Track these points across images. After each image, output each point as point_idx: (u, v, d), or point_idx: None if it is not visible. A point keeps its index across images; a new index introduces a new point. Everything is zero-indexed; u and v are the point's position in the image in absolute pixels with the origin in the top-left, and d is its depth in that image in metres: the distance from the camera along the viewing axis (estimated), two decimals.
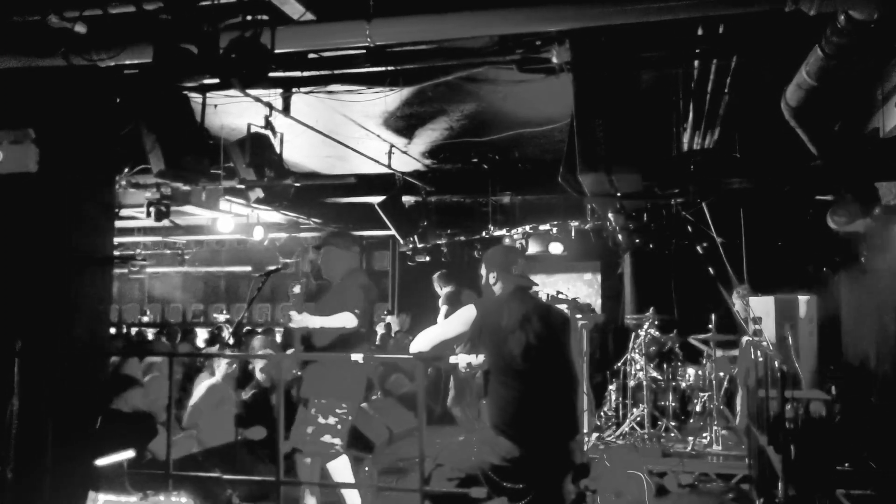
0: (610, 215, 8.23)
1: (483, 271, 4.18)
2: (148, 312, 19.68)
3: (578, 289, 12.97)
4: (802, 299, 8.03)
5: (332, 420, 5.08)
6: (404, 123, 7.68)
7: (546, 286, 11.93)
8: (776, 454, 5.09)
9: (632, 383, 8.04)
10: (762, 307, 6.95)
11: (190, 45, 4.03)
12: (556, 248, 10.91)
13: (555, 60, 5.01)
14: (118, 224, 6.70)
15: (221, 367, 6.91)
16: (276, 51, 4.32)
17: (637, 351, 8.11)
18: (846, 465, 5.65)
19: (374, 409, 8.15)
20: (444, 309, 8.07)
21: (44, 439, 4.58)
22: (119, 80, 5.32)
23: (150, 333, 15.01)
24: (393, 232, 9.54)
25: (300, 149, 8.27)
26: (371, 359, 5.17)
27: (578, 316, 7.57)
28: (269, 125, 5.94)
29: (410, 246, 10.54)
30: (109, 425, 5.30)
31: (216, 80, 4.59)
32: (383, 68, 5.41)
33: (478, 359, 4.00)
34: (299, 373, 5.67)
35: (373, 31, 4.45)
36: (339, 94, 5.99)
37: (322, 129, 7.13)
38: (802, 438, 5.92)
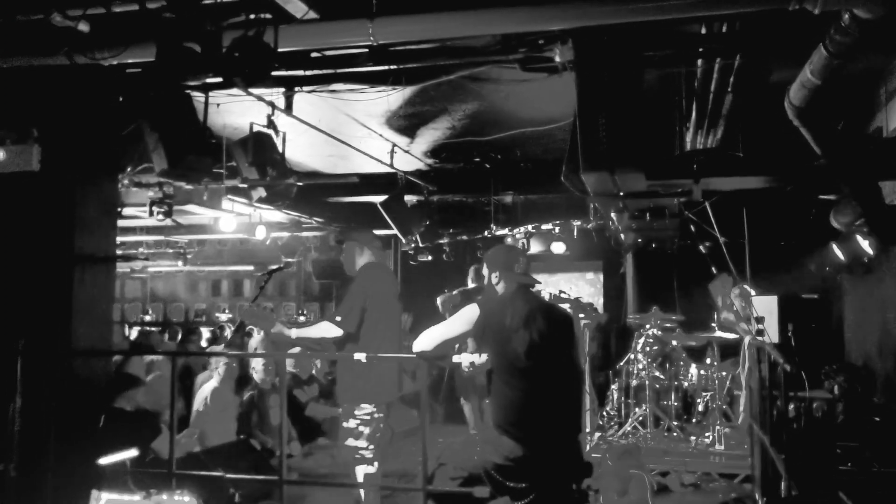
0: (612, 214, 8.22)
1: (485, 271, 4.17)
2: (150, 311, 19.71)
3: (581, 288, 12.96)
4: (805, 299, 8.04)
5: (352, 423, 5.01)
6: (406, 123, 7.67)
7: (548, 286, 11.92)
8: (779, 454, 5.08)
9: (634, 383, 8.04)
10: (765, 307, 6.95)
11: (193, 44, 4.04)
12: (558, 247, 10.91)
13: (557, 59, 5.00)
14: (121, 223, 6.69)
15: (220, 369, 6.92)
16: (279, 50, 4.32)
17: (639, 350, 8.10)
18: (849, 464, 5.65)
19: None
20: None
21: (47, 438, 4.58)
22: (122, 78, 5.31)
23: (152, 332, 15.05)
24: (395, 231, 9.52)
25: (302, 148, 8.26)
26: (373, 358, 5.16)
27: (581, 315, 7.57)
28: (271, 124, 5.93)
29: (412, 245, 10.55)
30: (112, 424, 5.31)
31: (219, 79, 4.58)
32: (386, 67, 5.40)
33: (481, 358, 4.00)
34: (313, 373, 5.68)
35: (376, 30, 4.45)
36: (341, 94, 5.99)
37: (324, 129, 7.12)
38: (805, 438, 5.92)
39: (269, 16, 4.30)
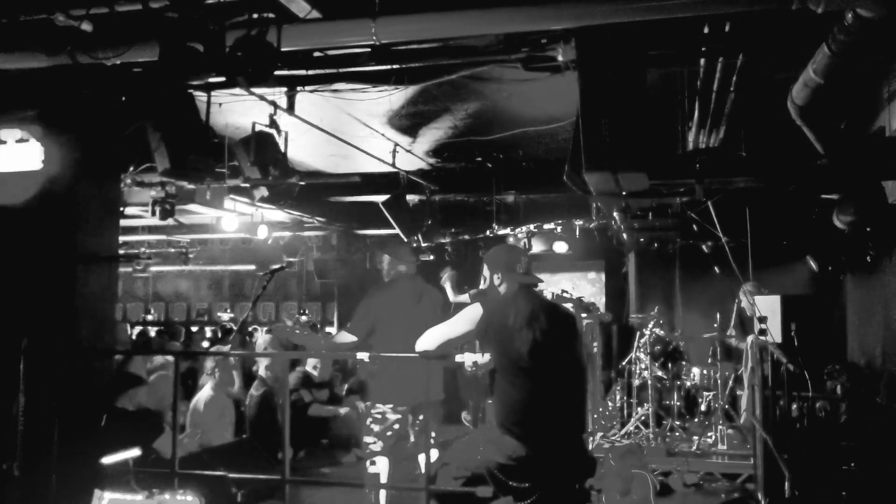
0: (615, 214, 8.22)
1: (486, 272, 4.14)
2: (152, 311, 19.71)
3: (583, 288, 12.95)
4: (808, 298, 8.03)
5: (368, 421, 5.42)
6: (409, 122, 7.67)
7: (550, 285, 11.92)
8: (781, 454, 5.08)
9: (636, 382, 8.04)
10: (768, 306, 6.93)
11: (196, 44, 4.04)
12: (560, 247, 10.91)
13: (560, 59, 5.00)
14: (123, 223, 6.69)
15: (215, 376, 6.92)
16: (282, 49, 4.32)
17: (642, 350, 8.10)
18: (851, 464, 5.64)
19: None
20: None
21: (50, 437, 4.59)
22: (125, 78, 5.32)
23: (153, 332, 15.06)
24: (397, 231, 9.52)
25: (305, 147, 8.26)
26: (376, 357, 5.17)
27: (583, 315, 7.57)
28: (273, 124, 5.92)
29: (414, 245, 10.53)
30: (115, 423, 5.31)
31: (222, 79, 4.59)
32: (388, 67, 5.40)
33: (483, 358, 4.00)
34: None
35: (378, 30, 4.45)
36: (343, 93, 5.99)
37: (327, 128, 7.12)
38: (808, 438, 5.91)
39: (271, 15, 4.30)
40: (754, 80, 5.46)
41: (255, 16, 4.23)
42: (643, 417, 7.69)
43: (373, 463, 5.32)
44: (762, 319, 5.76)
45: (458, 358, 4.14)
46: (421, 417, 5.48)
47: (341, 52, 5.34)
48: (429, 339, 4.03)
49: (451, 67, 5.50)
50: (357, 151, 8.12)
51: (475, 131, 7.94)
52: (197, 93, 5.57)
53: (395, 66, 5.37)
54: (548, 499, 3.72)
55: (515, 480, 3.70)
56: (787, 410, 5.25)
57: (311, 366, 8.18)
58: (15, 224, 5.24)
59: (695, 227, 7.60)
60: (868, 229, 7.11)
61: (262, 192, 6.53)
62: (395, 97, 6.31)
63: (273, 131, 5.93)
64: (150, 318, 19.36)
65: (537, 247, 10.98)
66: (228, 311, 19.24)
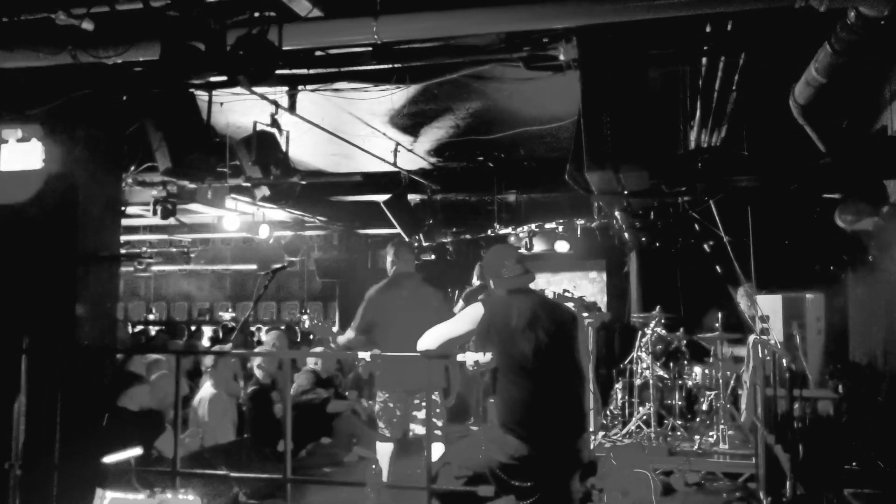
0: (616, 213, 8.21)
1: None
2: (154, 310, 19.72)
3: (584, 287, 12.95)
4: (810, 298, 8.01)
5: (376, 408, 5.96)
6: (410, 121, 7.67)
7: (552, 284, 11.94)
8: (784, 453, 5.07)
9: (638, 382, 8.03)
10: (770, 306, 6.94)
11: (197, 43, 4.03)
12: (561, 246, 10.90)
13: (562, 58, 5.00)
14: (124, 222, 6.69)
15: (214, 375, 6.91)
16: (283, 48, 4.32)
17: (643, 349, 8.09)
18: (854, 464, 5.62)
19: None
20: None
21: (51, 436, 4.58)
22: (126, 77, 5.32)
23: (154, 331, 15.07)
24: (398, 230, 9.52)
25: (306, 147, 8.25)
26: (377, 356, 5.19)
27: (585, 314, 7.56)
28: (275, 123, 5.92)
29: (416, 244, 10.53)
30: (116, 423, 5.31)
31: (223, 78, 4.59)
32: (390, 66, 5.40)
33: (485, 357, 3.99)
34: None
35: (380, 28, 4.44)
36: (345, 92, 5.99)
37: (328, 127, 7.12)
38: (810, 437, 5.90)
39: (273, 14, 4.29)
40: (756, 78, 5.45)
41: (257, 14, 4.23)
42: (645, 417, 7.68)
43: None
44: (764, 319, 5.75)
45: (460, 357, 4.14)
46: (422, 404, 5.80)
47: (343, 50, 5.34)
48: (430, 339, 4.04)
49: (452, 66, 5.50)
50: (358, 151, 8.12)
51: (477, 130, 7.94)
52: (198, 92, 5.58)
53: (396, 66, 5.38)
54: (549, 498, 3.72)
55: (517, 479, 3.70)
56: (789, 410, 5.23)
57: (312, 362, 8.19)
58: (16, 223, 5.24)
59: (696, 226, 7.60)
60: (870, 228, 7.09)
61: (264, 191, 6.53)
62: (396, 96, 6.31)
63: (274, 130, 5.93)
64: (151, 317, 19.37)
65: (539, 246, 10.97)
66: (230, 310, 19.25)
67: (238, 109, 6.36)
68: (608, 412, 8.31)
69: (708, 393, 7.75)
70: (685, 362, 8.05)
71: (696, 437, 7.31)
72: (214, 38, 4.07)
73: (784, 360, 5.17)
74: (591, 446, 6.99)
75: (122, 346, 8.78)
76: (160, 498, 3.48)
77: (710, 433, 7.33)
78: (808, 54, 4.64)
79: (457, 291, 8.19)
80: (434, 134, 8.25)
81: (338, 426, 7.93)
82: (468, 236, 11.34)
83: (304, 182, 6.56)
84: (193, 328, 16.24)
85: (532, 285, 4.18)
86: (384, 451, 5.83)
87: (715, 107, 5.91)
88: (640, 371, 8.05)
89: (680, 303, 9.45)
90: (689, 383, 7.96)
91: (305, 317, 17.57)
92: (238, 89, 5.57)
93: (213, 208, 8.97)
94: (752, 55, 5.10)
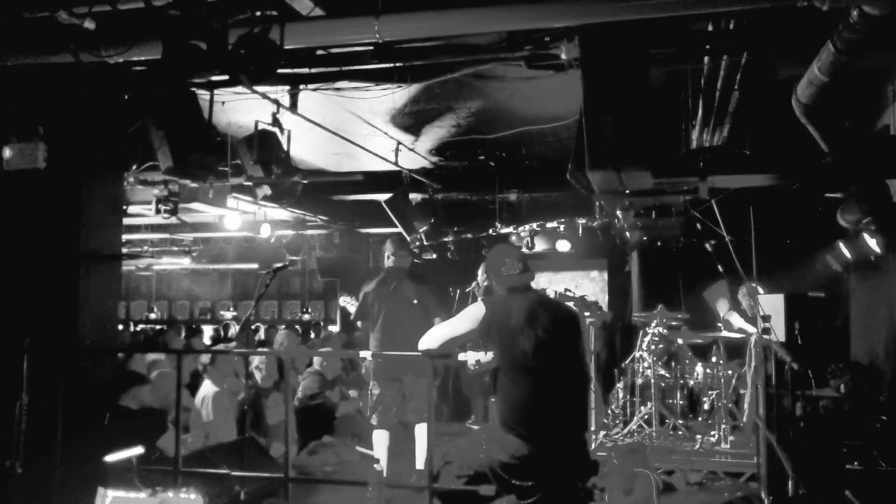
0: (618, 213, 8.20)
1: (480, 273, 4.24)
2: (155, 309, 19.72)
3: (585, 286, 12.94)
4: (812, 297, 8.00)
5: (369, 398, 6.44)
6: (411, 120, 7.66)
7: (553, 284, 11.93)
8: (785, 452, 5.07)
9: (639, 381, 8.01)
10: (772, 305, 6.92)
11: (199, 42, 4.03)
12: (563, 245, 10.89)
13: (563, 57, 4.99)
14: (126, 221, 6.69)
15: (212, 374, 6.90)
16: (285, 47, 4.32)
17: (645, 349, 8.08)
18: (856, 463, 5.62)
19: None
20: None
21: (53, 435, 4.59)
22: (127, 76, 5.32)
23: (158, 330, 15.08)
24: (399, 229, 9.51)
25: (307, 146, 8.25)
26: (379, 355, 5.19)
27: (586, 314, 7.56)
28: (276, 122, 5.92)
29: (417, 243, 10.53)
30: (117, 422, 5.31)
31: (225, 77, 4.57)
32: (391, 65, 5.40)
33: (486, 356, 3.99)
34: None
35: (381, 27, 4.44)
36: (346, 91, 5.98)
37: (329, 127, 7.11)
38: (812, 437, 5.90)
39: (274, 13, 4.29)
40: (759, 78, 5.44)
41: (258, 13, 4.23)
42: (646, 416, 7.67)
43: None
44: (766, 318, 5.74)
45: (461, 356, 4.14)
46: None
47: (344, 50, 5.34)
48: (431, 338, 4.04)
49: (454, 66, 5.49)
50: (360, 150, 8.12)
51: (478, 130, 7.93)
52: (199, 91, 5.56)
53: (398, 65, 5.37)
54: (550, 497, 3.72)
55: (518, 479, 3.70)
56: (791, 409, 5.24)
57: (317, 364, 8.18)
58: (18, 222, 5.24)
59: (698, 225, 7.59)
60: (873, 228, 7.08)
61: (265, 190, 6.52)
62: (397, 95, 6.30)
63: (276, 130, 5.93)
64: (153, 316, 19.37)
65: (540, 245, 10.96)
66: (231, 309, 19.26)
67: (239, 108, 6.35)
68: (609, 411, 8.31)
69: (710, 392, 7.74)
70: (686, 361, 8.04)
71: (698, 436, 7.30)
72: (216, 38, 4.06)
73: (786, 360, 5.16)
74: (593, 445, 6.99)
75: (123, 346, 8.78)
76: (162, 497, 3.48)
77: (712, 432, 7.32)
78: (811, 53, 4.63)
79: (458, 291, 8.20)
80: (435, 133, 8.24)
81: (339, 425, 7.93)
82: (469, 235, 11.33)
83: (305, 181, 6.55)
84: (195, 327, 16.24)
85: (533, 284, 4.18)
86: (379, 439, 6.19)
87: (717, 106, 5.90)
88: (641, 370, 8.04)
89: (681, 302, 9.44)
90: (691, 383, 7.95)
91: (307, 316, 17.63)
92: (240, 88, 5.57)
93: (215, 207, 8.98)
94: (755, 54, 5.09)
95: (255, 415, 7.17)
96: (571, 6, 4.34)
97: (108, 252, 5.60)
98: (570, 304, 7.21)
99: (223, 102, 5.98)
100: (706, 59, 5.42)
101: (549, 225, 10.92)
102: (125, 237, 10.61)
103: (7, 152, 5.17)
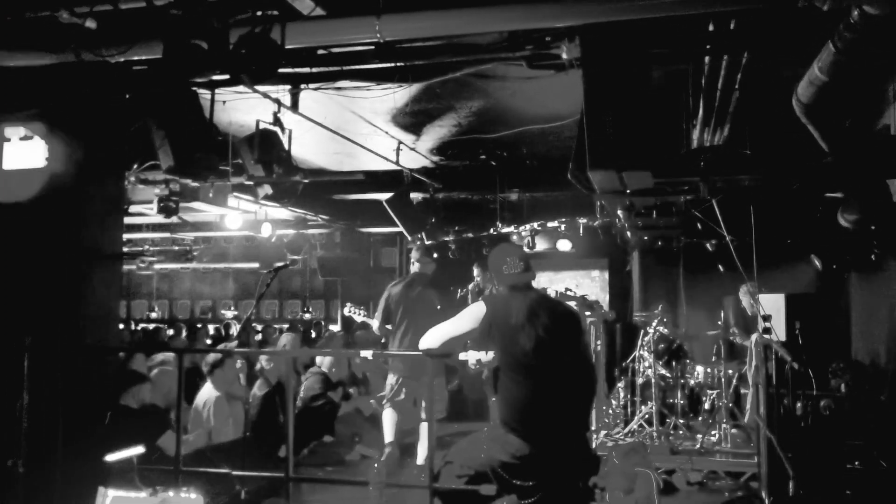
0: (619, 212, 8.20)
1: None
2: (156, 308, 19.74)
3: (586, 286, 12.93)
4: (812, 297, 8.01)
5: (386, 387, 6.95)
6: (412, 120, 7.67)
7: (554, 283, 11.94)
8: (786, 452, 5.07)
9: (640, 381, 8.02)
10: (772, 304, 6.91)
11: (200, 41, 4.04)
12: (564, 245, 10.90)
13: (564, 56, 4.99)
14: (127, 220, 6.70)
15: (213, 373, 6.89)
16: (286, 47, 4.32)
17: (645, 348, 8.08)
18: (856, 463, 5.63)
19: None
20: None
21: (54, 435, 4.59)
22: (129, 75, 5.32)
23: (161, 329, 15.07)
24: (400, 229, 9.52)
25: (308, 145, 8.26)
26: (380, 355, 5.19)
27: (587, 313, 7.56)
28: (277, 122, 5.93)
29: (418, 243, 10.54)
30: (118, 421, 5.31)
31: (226, 77, 4.59)
32: (392, 64, 5.40)
33: (487, 355, 4.00)
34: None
35: (382, 27, 4.44)
36: (347, 91, 5.99)
37: (330, 126, 7.12)
38: (812, 436, 5.90)
39: (275, 13, 4.29)
40: (759, 77, 5.44)
41: (259, 13, 4.23)
42: (647, 416, 7.67)
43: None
44: (766, 318, 5.74)
45: (462, 356, 4.14)
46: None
47: (345, 49, 5.33)
48: (432, 337, 4.05)
49: (455, 65, 5.49)
50: (361, 149, 8.12)
51: (479, 129, 7.94)
52: (201, 90, 5.57)
53: (399, 64, 5.38)
54: (551, 497, 3.72)
55: (519, 479, 3.70)
56: (792, 409, 5.24)
57: (326, 367, 8.17)
58: (19, 221, 5.24)
59: (699, 225, 7.59)
60: (873, 228, 7.09)
61: (266, 189, 6.53)
62: (399, 95, 6.31)
63: (277, 129, 5.94)
64: (153, 315, 19.38)
65: (541, 245, 10.97)
66: (232, 308, 19.27)
67: (241, 108, 6.36)
68: (610, 411, 8.31)
69: (710, 392, 7.75)
70: (687, 361, 8.05)
71: (699, 435, 7.30)
72: (217, 37, 4.07)
73: (786, 360, 5.16)
74: (593, 445, 6.99)
75: (124, 345, 8.78)
76: (162, 496, 3.48)
77: (713, 432, 7.33)
78: (812, 53, 4.63)
79: (459, 290, 8.21)
80: (436, 132, 8.25)
81: (340, 425, 7.93)
82: (470, 235, 11.34)
83: (306, 180, 6.57)
84: (199, 326, 16.25)
85: (534, 284, 4.18)
86: (388, 416, 6.75)
87: (717, 106, 5.89)
88: (642, 370, 8.04)
89: (682, 301, 9.45)
90: (692, 382, 7.96)
91: (308, 315, 17.64)
92: (241, 88, 5.57)
93: (216, 207, 8.99)
94: (755, 54, 5.09)
95: (269, 415, 7.16)
96: (572, 6, 4.34)
97: (109, 251, 5.60)
98: (572, 303, 7.23)
99: (224, 102, 5.98)
100: (707, 58, 5.42)
101: (549, 224, 10.92)
102: (126, 236, 10.62)
103: (8, 151, 5.17)
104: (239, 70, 4.13)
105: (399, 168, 8.86)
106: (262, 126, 5.91)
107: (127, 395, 5.68)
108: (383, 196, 9.24)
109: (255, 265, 15.41)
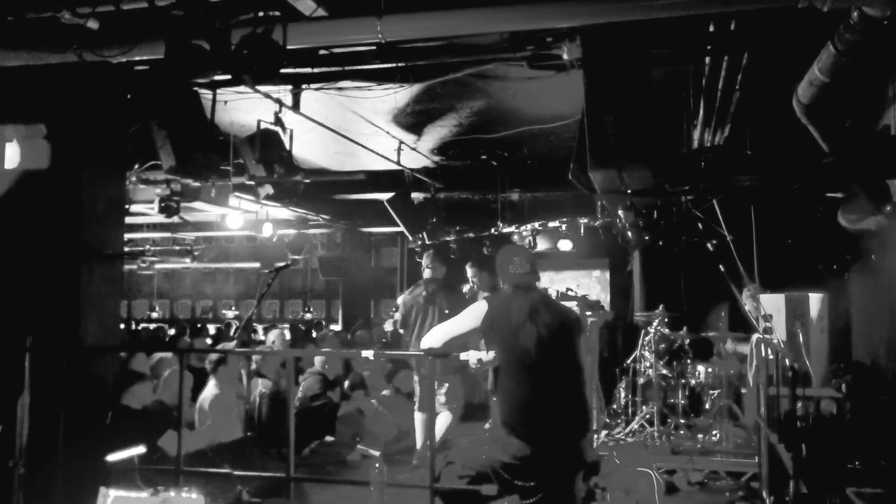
0: (620, 212, 8.21)
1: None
2: (157, 308, 19.76)
3: (587, 286, 12.94)
4: (813, 297, 8.01)
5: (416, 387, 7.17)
6: (414, 120, 7.68)
7: (555, 283, 11.93)
8: (787, 452, 5.07)
9: (641, 381, 8.02)
10: (773, 305, 6.93)
11: (202, 42, 4.04)
12: (565, 245, 10.88)
13: (565, 57, 5.00)
14: (128, 220, 6.70)
15: (218, 373, 6.91)
16: (288, 47, 4.33)
17: (646, 348, 8.08)
18: (857, 463, 5.62)
19: (383, 406, 8.16)
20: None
21: (55, 435, 4.60)
22: (130, 76, 5.33)
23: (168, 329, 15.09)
24: (402, 228, 9.54)
25: (310, 145, 8.27)
26: (381, 355, 5.20)
27: (588, 313, 7.56)
28: (278, 122, 5.94)
29: (419, 243, 10.55)
30: (119, 421, 5.32)
31: (227, 77, 4.59)
32: (393, 65, 5.42)
33: (488, 355, 4.00)
34: None
35: (384, 28, 4.45)
36: (349, 91, 6.00)
37: (332, 126, 7.13)
38: (813, 436, 5.90)
39: (277, 13, 4.29)
40: (759, 78, 5.45)
41: (261, 14, 4.23)
42: (648, 416, 7.67)
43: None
44: (767, 318, 5.75)
45: (463, 356, 4.15)
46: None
47: (347, 50, 5.35)
48: (434, 337, 4.06)
49: (456, 65, 5.51)
50: (362, 149, 8.14)
51: (480, 129, 7.95)
52: (202, 91, 5.58)
53: (400, 65, 5.39)
54: (552, 497, 3.73)
55: (520, 479, 3.70)
56: (792, 409, 5.23)
57: (319, 365, 8.18)
58: (20, 221, 5.25)
59: (700, 225, 7.60)
60: (873, 228, 7.08)
61: (267, 189, 6.54)
62: (400, 95, 6.32)
63: (278, 129, 5.95)
64: (154, 315, 19.40)
65: (542, 245, 10.96)
66: (233, 308, 19.29)
67: (242, 108, 6.37)
68: (611, 411, 8.32)
69: (711, 392, 7.74)
70: (688, 361, 8.05)
71: (700, 435, 7.30)
72: (219, 38, 4.07)
73: (787, 360, 5.17)
74: (594, 445, 7.00)
75: (124, 345, 8.79)
76: (163, 496, 3.49)
77: (714, 432, 7.32)
78: (812, 54, 4.64)
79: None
80: (437, 132, 8.26)
81: (341, 425, 7.94)
82: (471, 235, 11.32)
83: (307, 180, 6.58)
84: (199, 325, 16.26)
85: (536, 285, 4.19)
86: (418, 419, 6.91)
87: (718, 106, 5.91)
88: (643, 370, 8.04)
89: (683, 301, 9.44)
90: (693, 382, 7.95)
91: (309, 315, 17.66)
92: (242, 88, 5.58)
93: (217, 206, 9.00)
94: (756, 55, 5.10)
95: (277, 414, 7.15)
96: (573, 7, 4.35)
97: (111, 251, 5.61)
98: (573, 303, 7.24)
99: (225, 102, 6.00)
100: (707, 59, 5.43)
101: (550, 224, 10.91)
102: (127, 236, 10.62)
103: (10, 151, 5.18)
104: (241, 70, 4.13)
105: (400, 168, 8.87)
106: (263, 126, 5.92)
107: (128, 394, 5.70)
108: (384, 196, 9.25)
109: (257, 265, 15.45)
